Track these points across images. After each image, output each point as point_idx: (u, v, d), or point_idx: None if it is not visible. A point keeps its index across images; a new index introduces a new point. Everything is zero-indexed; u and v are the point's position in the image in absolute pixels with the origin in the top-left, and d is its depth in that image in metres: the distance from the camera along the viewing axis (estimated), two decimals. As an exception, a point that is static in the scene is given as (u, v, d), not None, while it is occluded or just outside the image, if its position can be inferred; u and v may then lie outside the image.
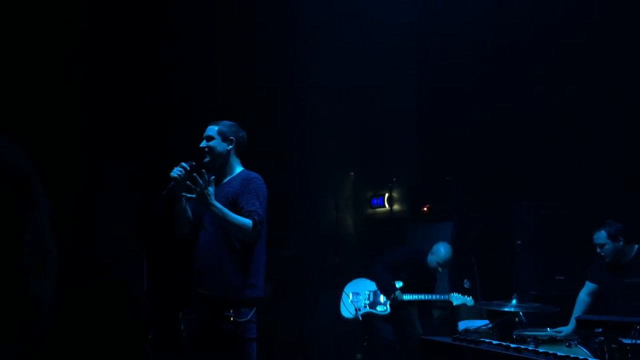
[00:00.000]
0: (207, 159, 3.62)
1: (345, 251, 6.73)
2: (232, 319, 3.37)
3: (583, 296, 4.53)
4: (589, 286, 4.55)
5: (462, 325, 4.76)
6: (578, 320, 3.71)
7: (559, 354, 2.51)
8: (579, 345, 3.86)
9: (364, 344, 6.23)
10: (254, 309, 3.49)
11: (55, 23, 5.14)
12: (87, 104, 5.39)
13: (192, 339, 3.61)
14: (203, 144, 3.64)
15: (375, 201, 7.08)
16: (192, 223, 3.67)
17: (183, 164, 3.50)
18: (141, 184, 5.54)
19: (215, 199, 3.61)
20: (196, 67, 6.05)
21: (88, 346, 4.82)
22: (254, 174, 3.67)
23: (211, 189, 3.43)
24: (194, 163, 3.54)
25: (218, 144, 3.64)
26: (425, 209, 5.98)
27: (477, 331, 4.41)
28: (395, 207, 6.65)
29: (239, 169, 3.72)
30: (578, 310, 4.45)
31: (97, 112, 5.43)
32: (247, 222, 3.43)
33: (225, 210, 3.42)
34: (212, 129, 3.68)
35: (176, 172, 3.46)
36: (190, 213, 3.67)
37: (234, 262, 3.52)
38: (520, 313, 4.26)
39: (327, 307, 6.14)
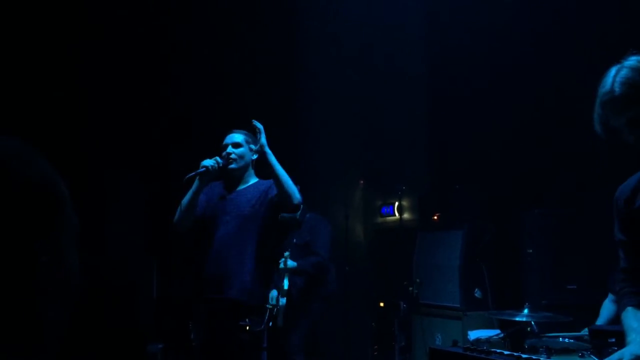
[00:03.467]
0: (234, 166, 3.60)
1: (354, 260, 6.71)
2: (247, 327, 3.35)
3: (608, 304, 4.52)
4: (611, 296, 4.54)
5: (474, 334, 4.72)
6: (591, 330, 3.67)
7: (572, 364, 2.48)
8: (591, 356, 3.81)
9: (374, 353, 6.20)
10: (267, 317, 3.48)
11: (63, 30, 5.18)
12: (96, 108, 5.43)
13: (203, 348, 3.58)
14: (230, 149, 3.62)
15: (385, 210, 7.06)
16: (197, 220, 3.64)
17: (218, 158, 3.52)
18: (151, 191, 5.56)
19: (238, 203, 3.60)
20: (204, 73, 6.08)
21: (93, 349, 4.82)
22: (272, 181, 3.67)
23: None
24: (224, 162, 3.55)
25: (246, 152, 3.64)
26: (435, 217, 5.95)
27: (488, 341, 4.37)
28: (405, 215, 6.63)
29: (254, 178, 3.72)
30: (603, 317, 4.43)
31: (106, 117, 5.46)
32: (294, 186, 3.52)
33: (277, 164, 3.54)
34: (239, 137, 3.67)
35: (210, 162, 3.47)
36: (199, 210, 3.66)
37: (253, 266, 3.50)
38: (532, 322, 4.21)
39: (336, 316, 6.11)
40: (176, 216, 3.60)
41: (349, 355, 6.56)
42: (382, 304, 6.45)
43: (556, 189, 5.29)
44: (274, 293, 4.97)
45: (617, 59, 2.28)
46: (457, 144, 6.17)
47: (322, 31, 6.98)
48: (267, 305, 4.88)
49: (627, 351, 2.21)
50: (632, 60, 2.20)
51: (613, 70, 2.20)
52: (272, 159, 3.52)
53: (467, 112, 6.03)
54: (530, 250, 5.24)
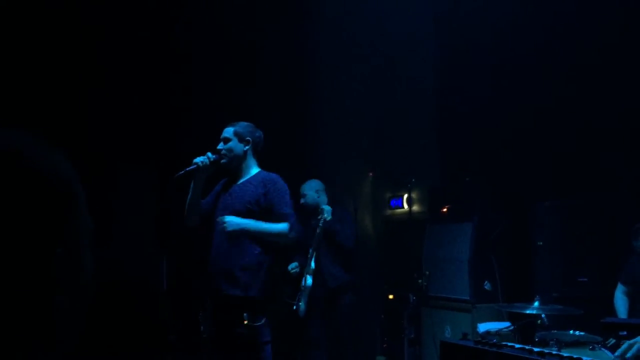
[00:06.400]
0: (224, 161, 3.65)
1: (364, 252, 6.70)
2: (246, 322, 3.39)
3: (620, 294, 4.51)
4: (622, 288, 4.54)
5: (483, 327, 4.71)
6: (603, 323, 3.66)
7: (584, 358, 2.47)
8: (602, 349, 3.79)
9: (383, 346, 6.20)
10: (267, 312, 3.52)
11: (70, 26, 5.18)
12: (109, 102, 5.44)
13: (210, 341, 3.63)
14: (220, 145, 3.67)
15: (394, 202, 7.04)
16: (203, 216, 3.72)
17: (209, 154, 3.56)
18: (160, 184, 5.58)
19: (235, 198, 3.63)
20: (216, 65, 6.07)
21: (108, 342, 4.85)
22: (273, 175, 3.68)
23: (227, 218, 3.46)
24: (217, 157, 3.59)
25: (235, 145, 3.67)
26: (444, 209, 5.93)
27: (498, 333, 4.36)
28: (415, 208, 6.61)
29: (255, 169, 3.74)
30: (621, 311, 4.44)
31: (118, 112, 5.47)
32: (283, 227, 3.48)
33: (255, 224, 3.48)
34: (229, 131, 3.72)
35: (200, 158, 3.53)
36: (205, 206, 3.72)
37: (250, 262, 3.53)
38: (543, 315, 4.20)
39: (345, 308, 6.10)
40: (185, 213, 3.69)
41: (358, 348, 6.56)
42: (391, 297, 6.45)
43: (566, 181, 5.26)
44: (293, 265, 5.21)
45: (623, 56, 2.24)
46: (467, 136, 6.14)
47: (334, 26, 6.95)
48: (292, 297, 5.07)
49: None
50: None
51: None
52: (243, 226, 3.48)
53: (477, 104, 6.00)
54: (541, 243, 5.22)
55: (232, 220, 3.47)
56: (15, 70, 4.75)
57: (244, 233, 3.48)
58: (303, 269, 5.26)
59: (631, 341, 2.62)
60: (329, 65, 6.97)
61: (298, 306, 5.05)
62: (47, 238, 0.75)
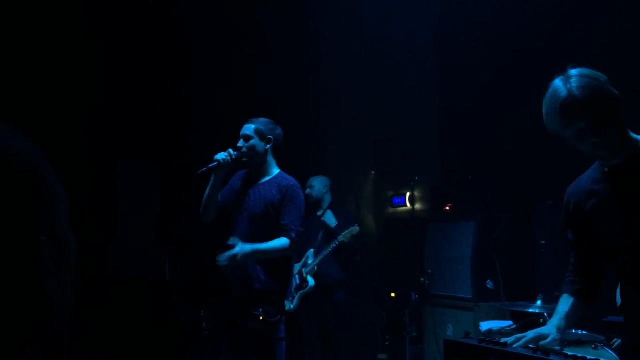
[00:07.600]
0: (245, 159, 3.59)
1: (365, 250, 6.70)
2: (261, 318, 3.38)
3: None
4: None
5: (485, 326, 4.70)
6: (606, 322, 3.65)
7: (588, 357, 2.47)
8: (605, 348, 3.79)
9: (385, 344, 6.20)
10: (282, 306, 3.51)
11: (78, 20, 5.18)
12: (112, 98, 5.44)
13: (219, 338, 3.63)
14: (241, 143, 3.61)
15: (397, 200, 7.04)
16: (219, 211, 3.68)
17: (230, 150, 3.52)
18: (164, 181, 5.58)
19: (253, 200, 3.60)
20: (219, 63, 6.07)
21: (118, 340, 4.86)
22: (292, 180, 3.63)
23: (237, 250, 3.41)
24: (238, 154, 3.55)
25: (257, 144, 3.62)
26: (447, 208, 5.92)
27: (500, 332, 4.35)
28: (417, 206, 6.60)
29: (276, 170, 3.69)
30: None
31: (119, 108, 5.47)
32: (283, 243, 3.45)
33: (258, 248, 3.44)
34: (250, 128, 3.64)
35: (222, 156, 3.49)
36: (222, 201, 3.69)
37: (266, 263, 3.52)
38: (545, 314, 4.19)
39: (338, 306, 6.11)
40: (201, 209, 3.64)
41: (360, 346, 6.57)
42: (393, 295, 6.44)
43: (569, 180, 5.24)
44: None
45: (624, 56, 2.30)
46: (469, 134, 6.12)
47: (337, 26, 6.94)
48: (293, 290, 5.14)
49: (536, 330, 2.59)
50: (576, 70, 2.27)
51: (559, 82, 2.28)
52: (251, 253, 3.46)
53: (480, 102, 5.98)
54: (543, 242, 5.20)
55: (239, 251, 3.41)
56: (19, 66, 4.75)
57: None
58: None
59: (519, 335, 2.70)
60: (332, 64, 6.96)
61: (291, 302, 5.08)
62: (29, 221, 0.75)
